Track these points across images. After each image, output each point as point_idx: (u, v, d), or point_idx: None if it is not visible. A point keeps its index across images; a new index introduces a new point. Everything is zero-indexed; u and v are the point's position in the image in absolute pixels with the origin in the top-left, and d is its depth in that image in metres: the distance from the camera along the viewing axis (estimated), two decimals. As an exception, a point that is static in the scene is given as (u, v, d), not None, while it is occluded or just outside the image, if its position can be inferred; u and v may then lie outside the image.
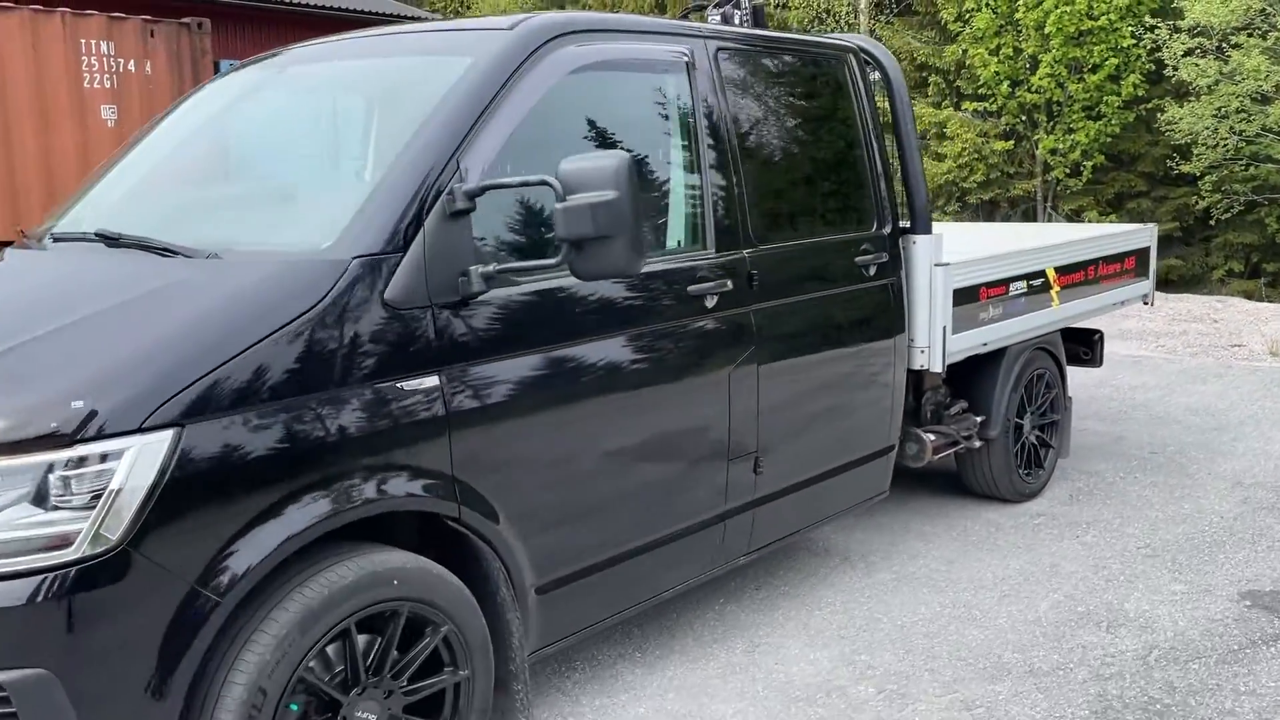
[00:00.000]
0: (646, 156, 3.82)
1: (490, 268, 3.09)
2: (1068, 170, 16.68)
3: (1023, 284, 5.55)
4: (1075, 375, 8.48)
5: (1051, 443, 6.18)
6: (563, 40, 3.53)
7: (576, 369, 3.43)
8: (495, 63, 3.36)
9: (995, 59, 16.60)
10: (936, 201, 17.91)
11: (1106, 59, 15.80)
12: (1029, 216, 18.15)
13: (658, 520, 3.79)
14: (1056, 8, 15.55)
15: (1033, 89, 16.43)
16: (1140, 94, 15.98)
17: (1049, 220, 17.73)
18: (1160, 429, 7.41)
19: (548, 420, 3.34)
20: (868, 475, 4.85)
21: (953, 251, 5.21)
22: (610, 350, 3.55)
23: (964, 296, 5.14)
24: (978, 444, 5.61)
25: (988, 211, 18.12)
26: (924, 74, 18.45)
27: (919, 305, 5.01)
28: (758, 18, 5.79)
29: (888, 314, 4.79)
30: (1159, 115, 15.91)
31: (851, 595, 4.82)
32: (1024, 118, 17.09)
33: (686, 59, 3.99)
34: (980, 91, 17.24)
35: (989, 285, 5.31)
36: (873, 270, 4.70)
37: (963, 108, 17.76)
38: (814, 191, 4.55)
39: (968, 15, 16.77)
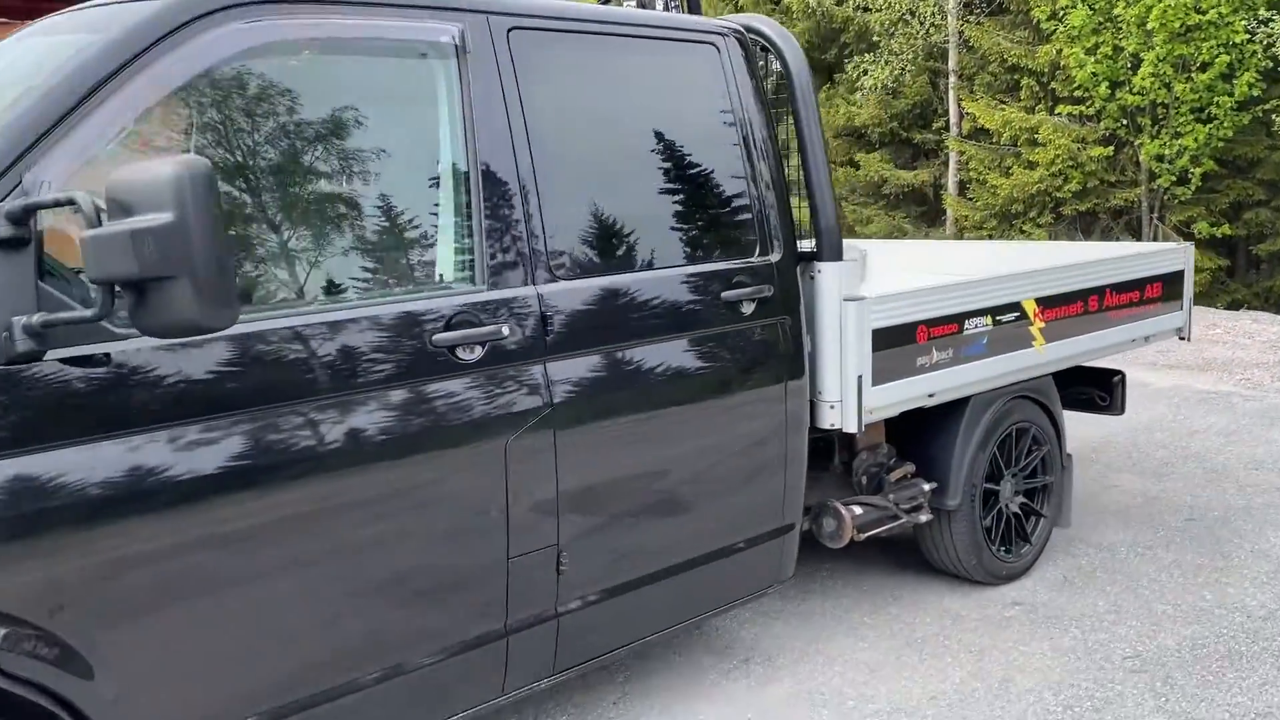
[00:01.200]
0: (369, 166, 2.95)
1: (36, 319, 2.26)
2: (1175, 178, 15.12)
3: (984, 320, 4.48)
4: (1116, 419, 7.28)
5: (1042, 511, 5.07)
6: (232, 14, 2.69)
7: (214, 453, 2.57)
8: (114, 44, 2.54)
9: (1092, 59, 15.17)
10: (1027, 212, 16.55)
11: (1217, 56, 14.23)
12: (1132, 229, 16.65)
13: (379, 651, 2.90)
14: (1159, 1, 14.06)
15: (1135, 90, 14.95)
16: (1256, 94, 14.36)
17: (1156, 234, 16.20)
18: (1209, 488, 6.17)
19: (164, 535, 2.49)
20: (751, 563, 3.86)
21: (892, 280, 4.22)
22: (289, 426, 2.68)
23: (892, 338, 4.12)
24: (924, 518, 4.55)
25: (1085, 223, 16.67)
26: (1015, 76, 17.10)
27: (826, 350, 4.01)
28: (692, 3, 4.89)
29: (774, 361, 3.81)
30: (1277, 117, 14.29)
31: (730, 713, 3.84)
32: (1125, 121, 15.61)
33: (453, 41, 3.11)
34: (1076, 94, 15.83)
35: (931, 323, 4.27)
36: (749, 308, 3.72)
37: (1057, 112, 16.36)
38: (658, 211, 3.60)
39: (1062, 13, 15.37)
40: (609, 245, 3.43)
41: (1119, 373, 5.58)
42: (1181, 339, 5.75)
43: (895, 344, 4.15)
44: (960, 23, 17.38)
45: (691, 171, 3.68)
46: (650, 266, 3.50)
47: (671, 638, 4.07)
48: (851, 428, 4.02)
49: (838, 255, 4.00)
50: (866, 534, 4.39)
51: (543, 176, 3.23)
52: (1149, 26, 14.41)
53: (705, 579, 3.71)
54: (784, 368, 3.84)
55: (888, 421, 4.55)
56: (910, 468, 4.58)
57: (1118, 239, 16.31)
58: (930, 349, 4.28)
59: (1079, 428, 6.67)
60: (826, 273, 3.99)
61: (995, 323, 4.53)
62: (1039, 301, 4.73)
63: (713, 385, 3.63)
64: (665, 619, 3.64)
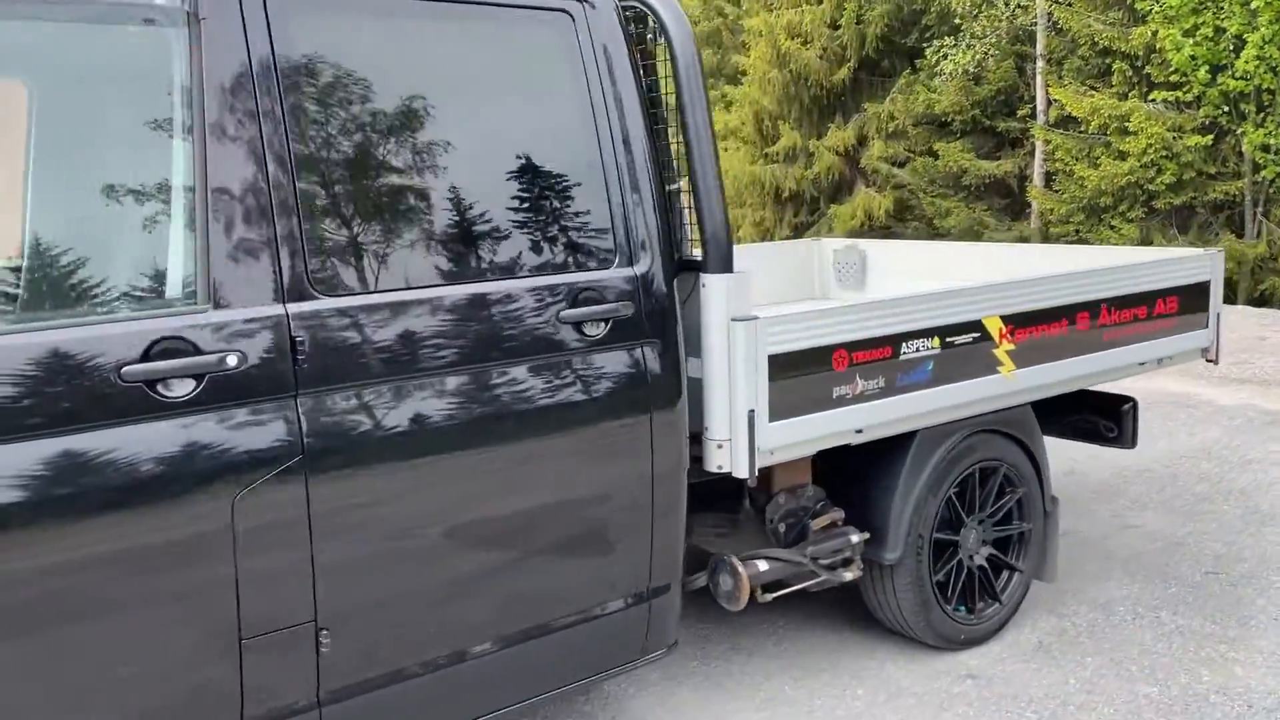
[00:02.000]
0: (65, 157, 2.41)
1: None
2: (1281, 169, 13.91)
3: (928, 343, 3.76)
4: (1151, 446, 6.43)
5: (1017, 564, 4.32)
6: None
7: None
8: None
9: (1191, 41, 14.01)
10: (1117, 206, 15.41)
11: (1329, 36, 12.99)
12: (1233, 224, 15.40)
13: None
14: (1266, -23, 12.87)
15: (1237, 74, 13.76)
16: (1373, 78, 13.07)
17: (1260, 230, 14.94)
18: (1245, 533, 5.31)
19: None
20: (606, 634, 3.24)
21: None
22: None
23: (797, 364, 3.45)
24: (850, 575, 3.85)
25: (1181, 218, 15.45)
26: (1107, 60, 15.93)
27: (714, 380, 3.35)
28: None
29: (635, 395, 3.17)
30: (1395, 103, 13.00)
31: (579, 810, 3.24)
32: (1227, 108, 14.40)
33: (185, 8, 2.55)
34: (1173, 79, 14.66)
35: (854, 346, 3.58)
36: (598, 329, 3.09)
37: (1151, 98, 15.19)
38: (471, 213, 2.97)
39: (1159, -9, 14.23)
40: (399, 254, 2.83)
41: (1129, 400, 4.78)
42: (1209, 361, 4.91)
43: (802, 372, 3.47)
44: (1049, 4, 16.26)
45: (521, 166, 3.06)
46: (457, 280, 2.89)
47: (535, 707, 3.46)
48: (742, 472, 3.37)
49: (725, 266, 3.33)
50: (774, 594, 3.73)
51: (304, 170, 2.66)
52: (1253, 5, 13.21)
53: (538, 655, 3.09)
54: (650, 402, 3.20)
55: (819, 459, 3.88)
56: (838, 515, 3.88)
57: (1216, 235, 15.09)
58: (853, 377, 3.59)
59: (1109, 451, 5.87)
60: (711, 287, 3.33)
61: (945, 345, 3.81)
62: (1006, 320, 3.99)
63: (541, 425, 3.00)
64: (480, 703, 3.03)
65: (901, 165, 18.07)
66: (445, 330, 2.83)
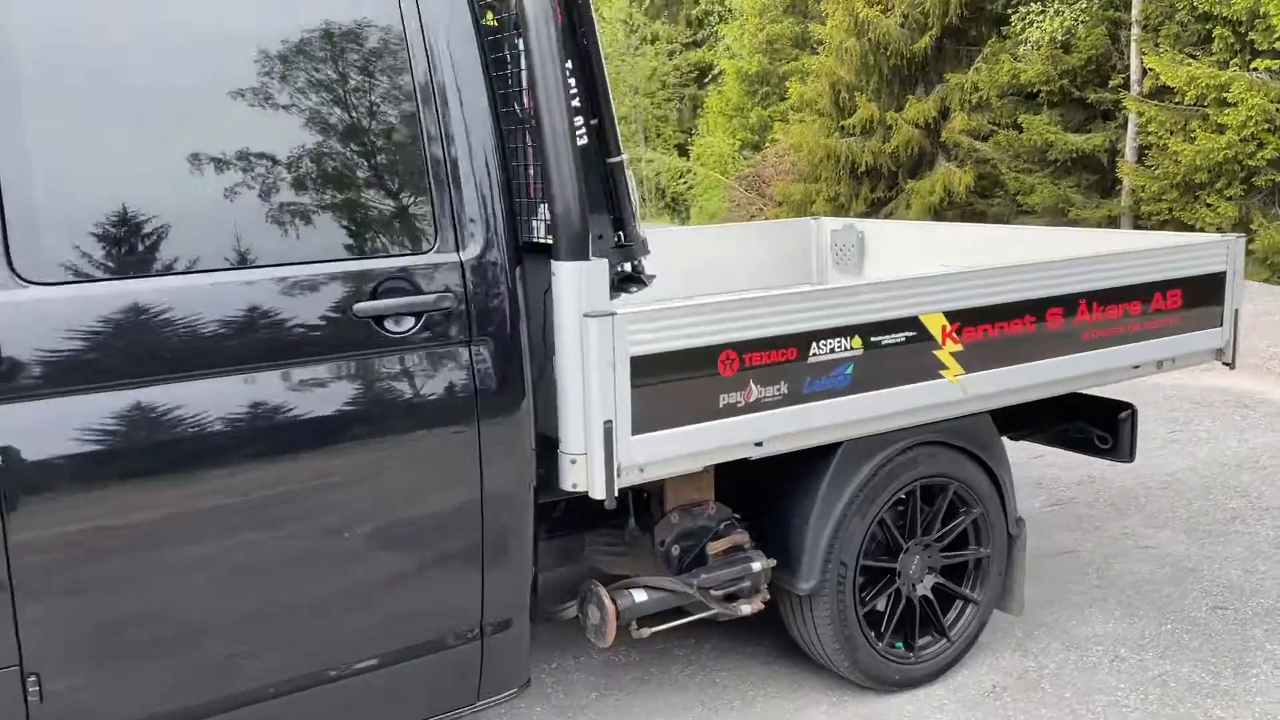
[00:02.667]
0: None
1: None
2: (1400, 145, 12.75)
3: (848, 342, 3.24)
4: (1190, 452, 5.77)
5: (971, 594, 3.77)
6: None
7: None
8: None
9: (1300, 2, 12.91)
10: (1213, 183, 14.35)
11: None
12: (1345, 204, 14.20)
13: None
14: (1382, -69, 11.72)
15: (1349, 40, 12.64)
16: None
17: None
18: (1273, 560, 4.64)
19: None
20: (419, 678, 2.81)
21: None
22: None
23: (671, 367, 2.96)
24: (748, 609, 3.36)
25: (1285, 197, 14.30)
26: (1207, 25, 14.79)
27: (566, 385, 2.89)
28: None
29: (456, 403, 2.72)
30: None
31: None
32: (1338, 77, 13.25)
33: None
34: (1278, 46, 13.53)
35: (746, 347, 3.07)
36: (406, 324, 2.65)
37: (1253, 67, 14.05)
38: (238, 185, 2.52)
39: (1264, -51, 13.13)
40: (139, 233, 2.41)
41: (1127, 407, 4.17)
42: (1225, 364, 4.25)
43: (678, 377, 2.99)
44: (1147, -35, 15.19)
45: (305, 127, 2.61)
46: (211, 266, 2.47)
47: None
48: (598, 493, 2.90)
49: (579, 252, 2.86)
50: (654, 629, 3.26)
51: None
52: (1368, -35, 12.09)
53: (329, 701, 2.68)
54: (477, 412, 2.75)
55: (725, 474, 3.40)
56: (741, 538, 3.39)
57: (1322, 215, 13.93)
58: (746, 382, 3.09)
59: (1147, 460, 5.27)
60: (561, 277, 2.86)
61: (869, 345, 3.28)
62: (952, 317, 3.43)
63: (321, 439, 2.57)
64: (262, 753, 2.63)
65: (984, 139, 17.11)
66: (197, 324, 2.42)
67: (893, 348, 3.33)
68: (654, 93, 28.49)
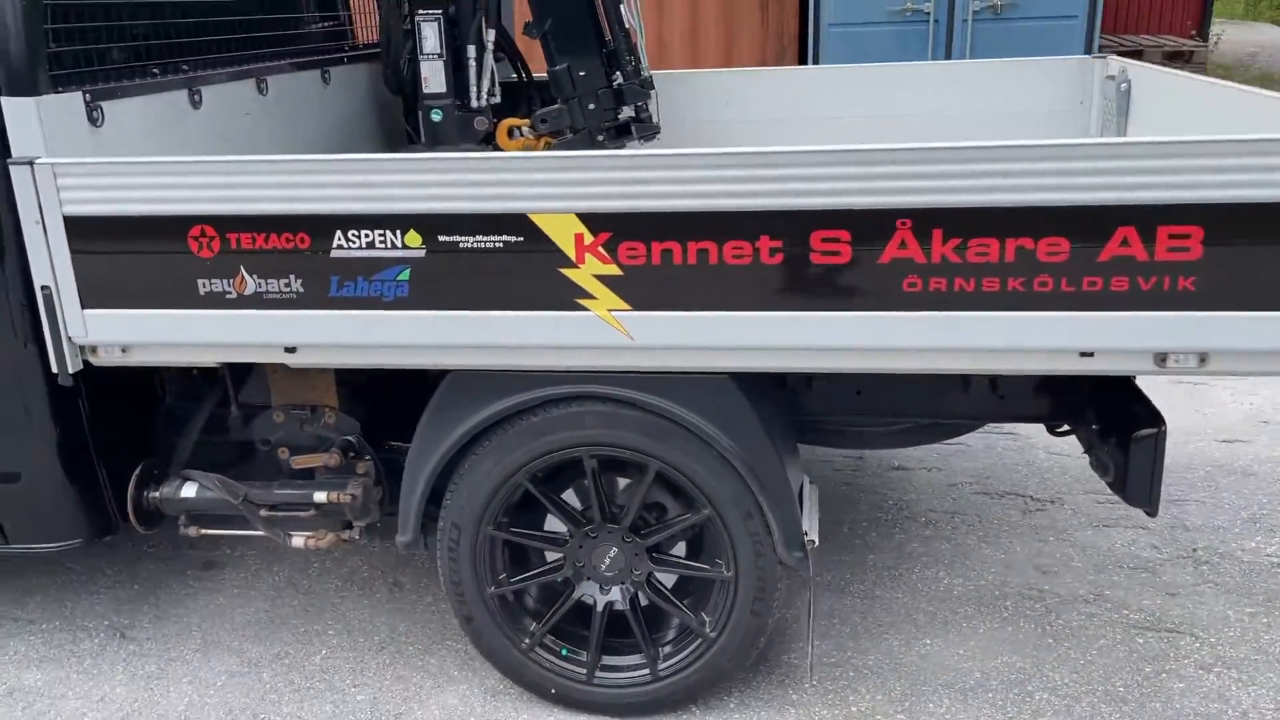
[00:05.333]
0: None
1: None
2: None
3: (396, 238, 2.36)
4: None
5: (699, 622, 2.64)
6: None
7: None
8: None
9: None
10: None
11: None
12: None
13: None
14: None
15: None
16: None
17: None
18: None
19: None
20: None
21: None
22: None
23: (125, 234, 2.45)
24: (302, 543, 2.72)
25: None
26: None
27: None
28: None
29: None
30: None
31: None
32: None
33: None
34: None
35: (228, 224, 2.40)
36: None
37: None
38: None
39: None
40: None
41: (1155, 422, 2.49)
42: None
43: (136, 249, 2.46)
44: None
45: None
46: None
47: None
48: (57, 369, 2.56)
49: (17, 85, 2.45)
50: (203, 531, 2.83)
51: None
52: None
53: None
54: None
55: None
56: (333, 459, 2.74)
57: None
58: (235, 268, 2.44)
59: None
60: (-6, 115, 2.48)
61: (434, 246, 2.35)
62: (592, 222, 2.30)
63: None
64: None
65: None
66: None
67: (482, 255, 2.35)
68: None
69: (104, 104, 2.64)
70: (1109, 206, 2.09)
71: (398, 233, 2.36)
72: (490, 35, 3.56)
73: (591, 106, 3.59)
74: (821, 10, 7.99)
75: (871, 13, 7.94)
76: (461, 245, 2.35)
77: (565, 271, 2.33)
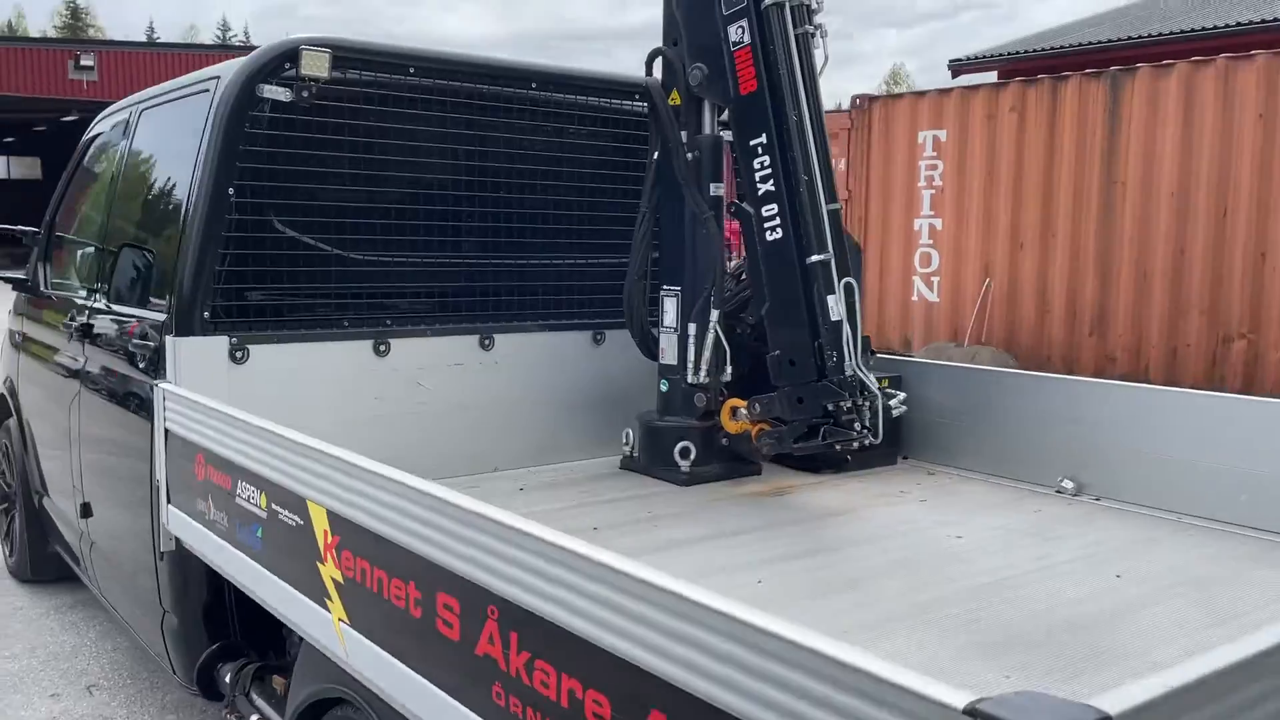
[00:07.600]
0: None
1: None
2: None
3: (258, 496, 2.51)
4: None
5: None
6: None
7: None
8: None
9: None
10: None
11: None
12: None
13: None
14: None
15: None
16: None
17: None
18: None
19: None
20: None
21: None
22: None
23: (184, 451, 2.96)
24: None
25: None
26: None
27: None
28: None
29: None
30: None
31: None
32: None
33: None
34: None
35: (210, 457, 2.77)
36: None
37: None
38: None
39: None
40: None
41: None
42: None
43: (184, 461, 2.97)
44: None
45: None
46: None
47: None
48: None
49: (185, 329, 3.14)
50: None
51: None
52: None
53: None
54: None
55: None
56: None
57: None
58: (206, 494, 2.81)
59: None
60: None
61: (272, 511, 2.48)
62: (333, 521, 2.22)
63: None
64: None
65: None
66: None
67: (289, 530, 2.41)
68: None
69: (250, 346, 3.19)
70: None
71: (258, 491, 2.51)
72: (714, 316, 3.37)
73: (799, 401, 3.19)
74: None
75: None
76: (281, 516, 2.42)
77: (318, 565, 2.27)
